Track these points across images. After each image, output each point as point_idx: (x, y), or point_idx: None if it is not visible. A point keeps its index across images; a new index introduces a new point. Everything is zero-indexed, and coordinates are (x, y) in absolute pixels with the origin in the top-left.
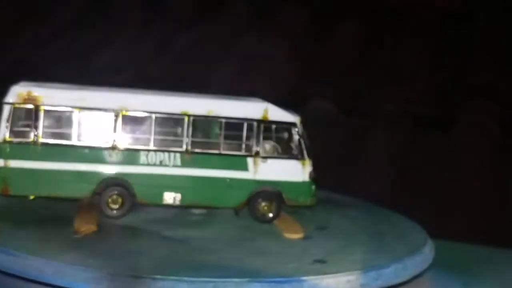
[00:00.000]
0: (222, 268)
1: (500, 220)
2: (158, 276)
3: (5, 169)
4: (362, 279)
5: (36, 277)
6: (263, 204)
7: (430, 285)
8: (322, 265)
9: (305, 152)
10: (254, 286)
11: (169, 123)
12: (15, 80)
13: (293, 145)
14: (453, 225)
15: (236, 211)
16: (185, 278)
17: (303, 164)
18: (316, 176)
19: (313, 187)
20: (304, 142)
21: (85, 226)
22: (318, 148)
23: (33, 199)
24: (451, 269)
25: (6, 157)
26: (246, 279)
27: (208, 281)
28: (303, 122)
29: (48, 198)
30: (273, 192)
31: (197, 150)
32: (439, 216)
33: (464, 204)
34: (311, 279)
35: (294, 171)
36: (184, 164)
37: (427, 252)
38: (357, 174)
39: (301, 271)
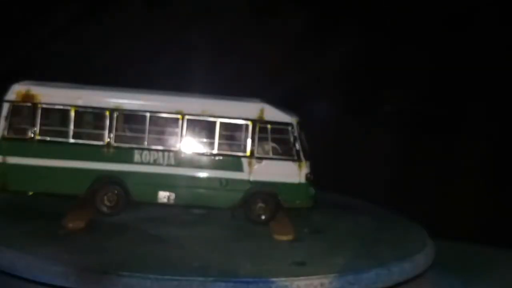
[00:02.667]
0: (193, 267)
1: (500, 220)
2: (124, 273)
3: (3, 165)
4: (337, 282)
5: (7, 269)
6: (258, 205)
7: (430, 285)
8: (298, 268)
9: (301, 154)
10: (219, 285)
11: (164, 122)
12: (15, 79)
13: (289, 146)
14: (453, 225)
15: (232, 211)
16: (150, 276)
17: (299, 166)
18: (313, 177)
19: (310, 189)
20: (301, 143)
21: (73, 223)
22: (318, 148)
23: (31, 194)
24: (451, 269)
25: (4, 153)
26: (211, 278)
27: (172, 279)
28: (301, 122)
29: (46, 195)
30: (268, 193)
31: (191, 150)
32: (439, 216)
33: (464, 204)
34: (281, 281)
35: (290, 172)
36: (178, 164)
37: (420, 259)
38: (357, 174)
39: (274, 273)
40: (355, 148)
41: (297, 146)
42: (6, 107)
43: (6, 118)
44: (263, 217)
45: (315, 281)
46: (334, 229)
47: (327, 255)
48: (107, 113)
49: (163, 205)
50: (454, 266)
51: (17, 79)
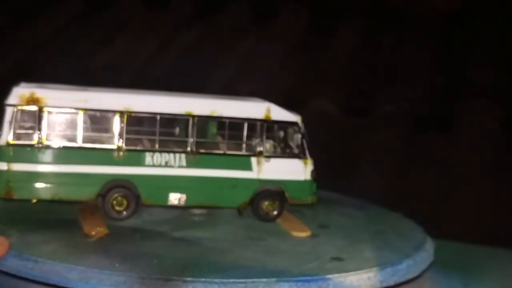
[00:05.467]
0: (244, 268)
1: (500, 220)
2: (189, 278)
3: (8, 172)
4: (380, 275)
5: (59, 282)
6: (266, 203)
7: (430, 285)
8: (340, 263)
9: (307, 151)
10: (282, 285)
11: (174, 123)
12: (14, 81)
13: (295, 144)
14: (453, 225)
15: (240, 210)
16: (216, 280)
17: (305, 163)
18: (316, 175)
19: (315, 185)
20: (306, 141)
21: (96, 230)
22: (318, 148)
23: (35, 202)
24: (451, 269)
25: (9, 160)
26: (274, 279)
27: (238, 282)
28: (303, 121)
29: (52, 201)
30: (276, 191)
31: (202, 151)
32: (439, 216)
33: (464, 204)
34: (336, 277)
35: (297, 170)
36: (189, 165)
37: (429, 248)
38: (357, 174)
39: (324, 270)
40: (355, 148)
41: (303, 144)
42: (9, 111)
43: (10, 123)
44: (271, 214)
45: (364, 275)
46: (338, 225)
47: (354, 249)
48: (117, 115)
49: (173, 207)
50: (454, 266)
51: (16, 80)
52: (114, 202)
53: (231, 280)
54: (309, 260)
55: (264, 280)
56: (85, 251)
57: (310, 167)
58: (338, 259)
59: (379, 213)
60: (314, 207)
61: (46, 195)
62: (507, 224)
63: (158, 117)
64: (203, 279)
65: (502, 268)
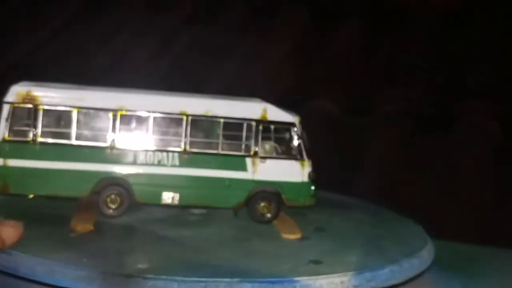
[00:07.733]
0: (213, 268)
1: (500, 220)
2: (149, 276)
3: (4, 167)
4: (355, 280)
5: (27, 275)
6: (262, 204)
7: (430, 285)
8: (316, 266)
9: (304, 153)
10: (245, 286)
11: (168, 123)
12: (14, 80)
13: (292, 146)
14: (453, 225)
15: (235, 211)
16: (177, 278)
17: (302, 165)
18: (315, 176)
19: (312, 187)
20: (303, 143)
21: (81, 225)
22: (318, 148)
23: (32, 197)
24: (451, 269)
25: (5, 156)
26: (237, 279)
27: (199, 281)
28: (302, 122)
29: (47, 197)
30: (272, 192)
31: (195, 150)
32: (439, 216)
33: (464, 204)
34: (304, 280)
35: (293, 171)
36: (182, 164)
37: (425, 254)
38: (357, 174)
39: (295, 272)
40: (355, 148)
41: (300, 145)
42: (6, 108)
43: (7, 120)
44: (267, 216)
45: (336, 279)
46: (335, 227)
47: (339, 253)
48: (111, 114)
49: (166, 206)
50: (454, 266)
51: (17, 79)
52: (108, 200)
53: (192, 279)
54: (284, 262)
55: (226, 280)
56: (62, 246)
57: (307, 168)
58: (316, 262)
59: (379, 213)
60: (315, 210)
61: (41, 191)
62: (507, 224)
63: (152, 116)
64: (164, 277)
65: (502, 268)
